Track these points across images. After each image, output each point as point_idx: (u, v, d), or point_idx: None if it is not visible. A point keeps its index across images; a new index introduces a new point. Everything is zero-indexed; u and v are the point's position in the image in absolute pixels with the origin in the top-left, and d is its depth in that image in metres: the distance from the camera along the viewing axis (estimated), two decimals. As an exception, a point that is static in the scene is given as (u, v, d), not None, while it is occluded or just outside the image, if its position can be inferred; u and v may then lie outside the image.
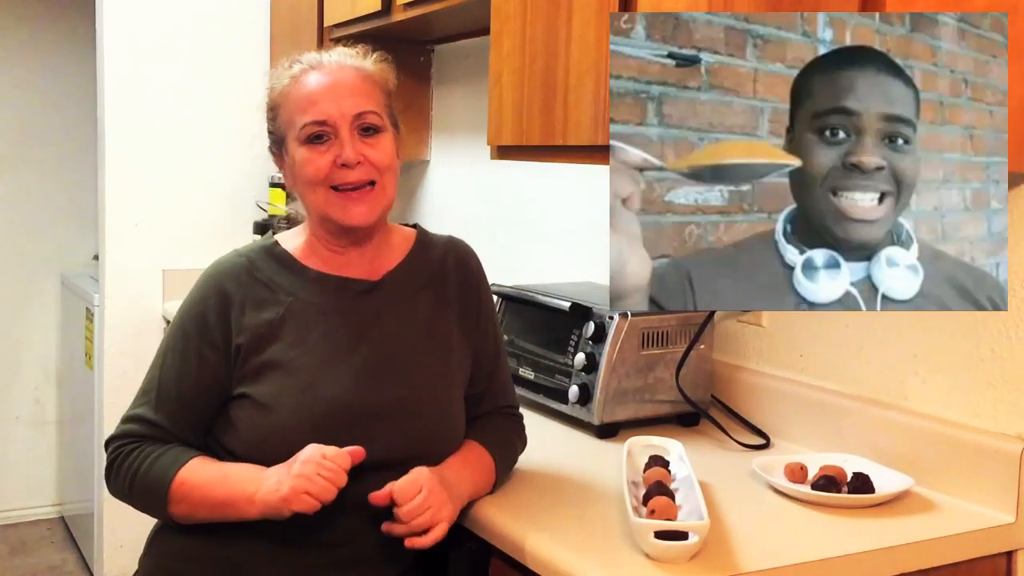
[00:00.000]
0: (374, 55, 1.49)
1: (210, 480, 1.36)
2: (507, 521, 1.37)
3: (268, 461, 1.36)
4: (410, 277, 1.50)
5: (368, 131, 1.41)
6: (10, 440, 4.10)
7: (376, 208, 1.43)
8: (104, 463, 1.43)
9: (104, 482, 1.43)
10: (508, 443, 1.55)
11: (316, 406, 1.37)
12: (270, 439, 1.37)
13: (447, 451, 1.45)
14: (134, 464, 1.39)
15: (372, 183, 1.41)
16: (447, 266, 1.54)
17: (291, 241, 1.50)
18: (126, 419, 1.44)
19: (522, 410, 1.64)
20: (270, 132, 1.48)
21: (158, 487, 1.36)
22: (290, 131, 1.42)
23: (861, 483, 1.45)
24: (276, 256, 1.47)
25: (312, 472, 1.29)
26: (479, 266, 1.59)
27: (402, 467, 1.37)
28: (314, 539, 1.37)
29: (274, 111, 1.46)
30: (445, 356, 1.49)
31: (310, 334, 1.42)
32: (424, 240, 1.56)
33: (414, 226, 1.59)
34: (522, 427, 1.61)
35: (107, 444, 1.44)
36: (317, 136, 1.40)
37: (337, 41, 2.77)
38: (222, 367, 1.41)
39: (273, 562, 1.37)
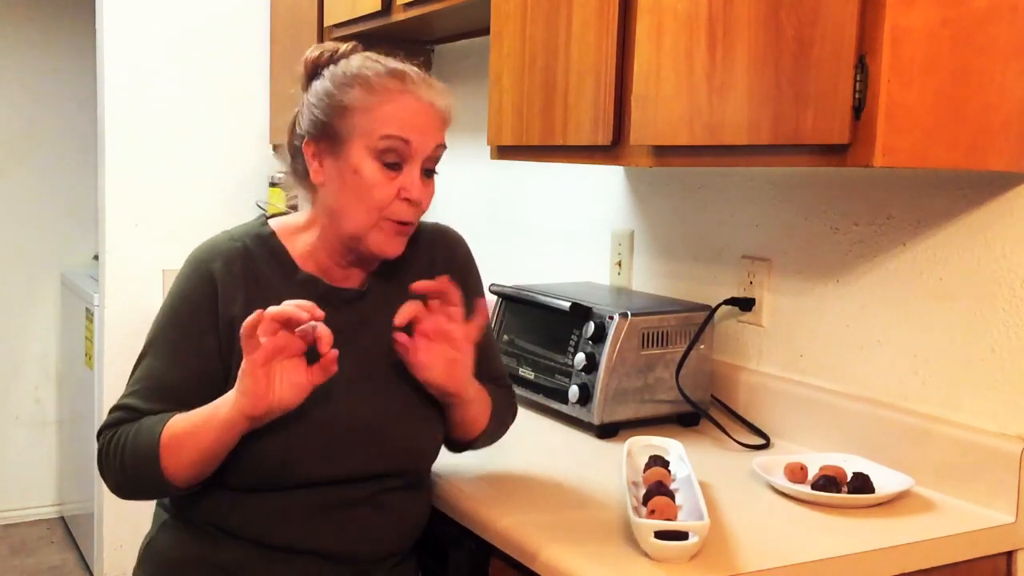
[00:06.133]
0: (440, 83, 1.42)
1: (192, 416, 1.30)
2: (507, 521, 1.37)
3: (250, 477, 1.33)
4: (396, 276, 1.45)
5: (429, 173, 1.39)
6: (10, 440, 4.10)
7: (406, 242, 1.41)
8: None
9: (102, 479, 1.37)
10: (501, 398, 1.52)
11: (299, 426, 1.32)
12: (251, 455, 1.32)
13: (425, 463, 1.46)
14: (122, 439, 1.33)
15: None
16: (434, 256, 1.50)
17: (293, 236, 1.43)
18: (116, 408, 1.37)
19: (522, 410, 1.63)
20: (322, 122, 1.36)
21: (149, 446, 1.29)
22: (361, 137, 1.33)
23: (861, 483, 1.45)
24: (271, 249, 1.41)
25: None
26: (467, 253, 1.55)
27: (381, 479, 1.38)
28: (307, 544, 1.35)
29: (344, 108, 1.34)
30: None
31: None
32: None
33: None
34: (513, 396, 1.58)
35: (99, 435, 1.38)
36: (392, 152, 1.34)
37: (337, 42, 2.76)
38: (217, 355, 1.35)
39: (266, 568, 1.36)
